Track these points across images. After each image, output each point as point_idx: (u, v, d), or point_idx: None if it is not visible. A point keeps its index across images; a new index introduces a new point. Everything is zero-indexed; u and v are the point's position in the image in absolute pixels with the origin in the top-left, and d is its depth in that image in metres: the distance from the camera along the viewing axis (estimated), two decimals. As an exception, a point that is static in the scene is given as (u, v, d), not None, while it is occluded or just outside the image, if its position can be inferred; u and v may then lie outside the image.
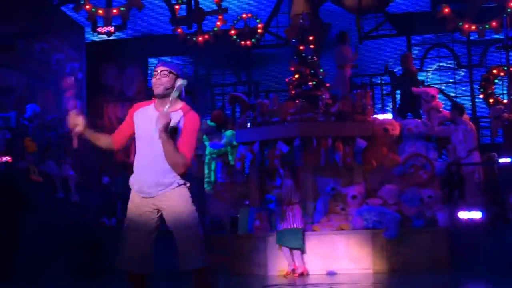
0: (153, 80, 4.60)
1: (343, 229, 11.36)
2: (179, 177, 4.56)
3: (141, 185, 4.60)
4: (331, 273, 10.82)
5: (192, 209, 4.58)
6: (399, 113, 13.72)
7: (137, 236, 4.60)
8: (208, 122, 13.75)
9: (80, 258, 10.76)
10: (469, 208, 11.15)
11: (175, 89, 4.53)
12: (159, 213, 4.64)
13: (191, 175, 4.87)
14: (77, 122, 4.58)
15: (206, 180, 13.00)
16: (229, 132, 13.10)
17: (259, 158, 12.32)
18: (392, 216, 11.12)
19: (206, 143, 13.06)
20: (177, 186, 4.55)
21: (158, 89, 4.57)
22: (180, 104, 4.62)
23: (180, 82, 4.55)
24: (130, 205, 4.69)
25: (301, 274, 10.64)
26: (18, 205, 10.70)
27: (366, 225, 11.21)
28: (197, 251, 4.50)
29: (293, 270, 10.70)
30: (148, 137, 4.53)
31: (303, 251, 10.89)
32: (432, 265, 10.77)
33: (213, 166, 12.88)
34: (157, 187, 4.54)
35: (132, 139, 4.76)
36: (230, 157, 12.88)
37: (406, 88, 14.04)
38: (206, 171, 13.08)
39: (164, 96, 4.58)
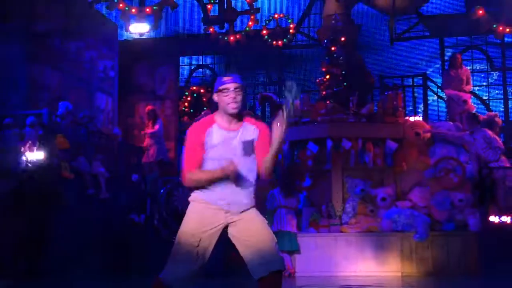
0: (226, 98, 4.24)
1: (371, 231, 11.29)
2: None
3: (227, 203, 4.35)
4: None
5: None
6: None
7: (203, 249, 4.34)
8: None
9: (109, 255, 10.85)
10: (501, 212, 11.01)
11: (290, 93, 4.17)
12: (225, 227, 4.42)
13: None
14: None
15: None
16: (258, 132, 13.09)
17: (288, 158, 12.32)
18: (422, 219, 11.03)
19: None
20: (254, 206, 4.45)
21: (235, 109, 4.26)
22: (245, 117, 4.46)
23: (292, 87, 4.18)
24: (199, 218, 4.36)
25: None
26: (50, 201, 10.83)
27: (395, 227, 11.14)
28: (278, 253, 4.35)
29: (290, 274, 10.75)
30: (229, 159, 4.24)
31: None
32: (462, 270, 10.68)
33: (242, 166, 12.90)
34: (241, 206, 4.36)
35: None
36: (259, 157, 12.88)
37: None
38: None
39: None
